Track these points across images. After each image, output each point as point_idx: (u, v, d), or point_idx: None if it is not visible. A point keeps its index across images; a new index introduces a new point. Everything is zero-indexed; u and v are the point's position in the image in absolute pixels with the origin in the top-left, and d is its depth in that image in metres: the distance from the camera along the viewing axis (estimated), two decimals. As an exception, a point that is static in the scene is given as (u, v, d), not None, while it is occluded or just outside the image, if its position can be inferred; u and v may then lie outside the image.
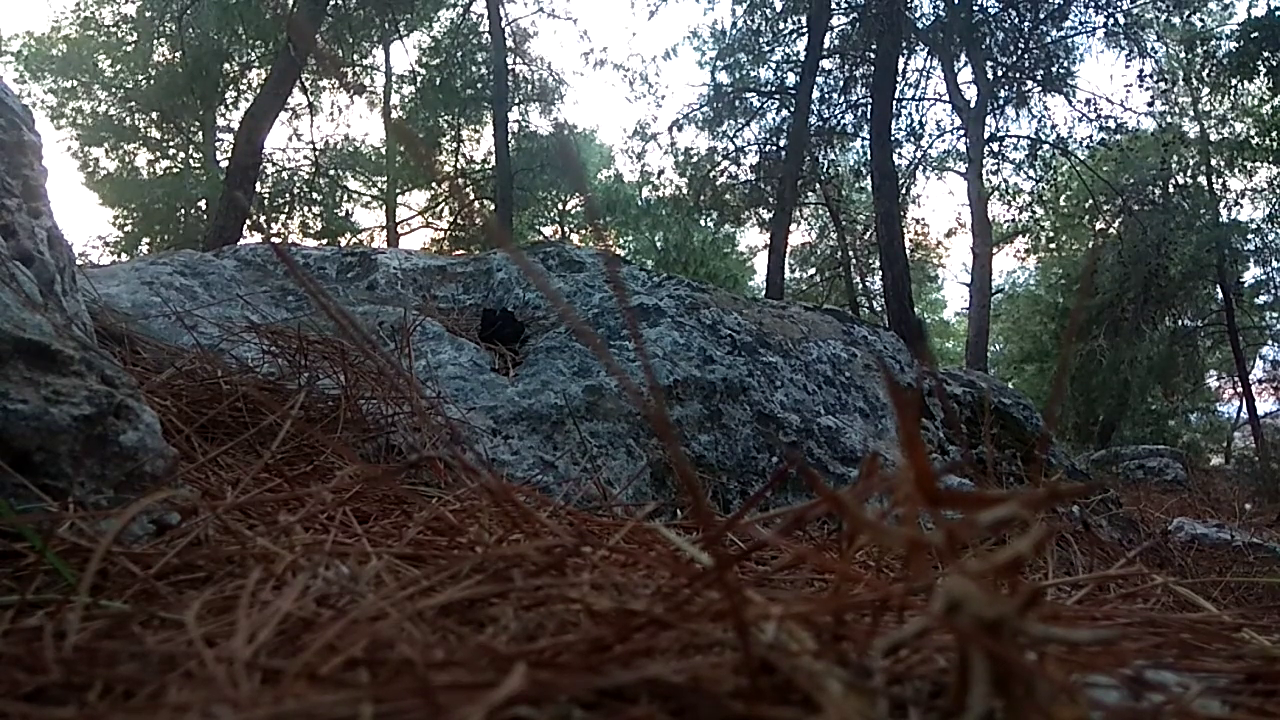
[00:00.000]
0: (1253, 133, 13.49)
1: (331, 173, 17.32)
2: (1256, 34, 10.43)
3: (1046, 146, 13.51)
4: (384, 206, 18.16)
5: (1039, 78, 12.98)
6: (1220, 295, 14.41)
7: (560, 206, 18.68)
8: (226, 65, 14.20)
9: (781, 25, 13.69)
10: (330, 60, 14.50)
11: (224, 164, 13.12)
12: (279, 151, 16.44)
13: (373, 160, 17.84)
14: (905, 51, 12.53)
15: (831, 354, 2.44)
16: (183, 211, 16.12)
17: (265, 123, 8.84)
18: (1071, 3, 12.45)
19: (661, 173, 16.03)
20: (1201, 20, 13.03)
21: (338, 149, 17.27)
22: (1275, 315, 15.58)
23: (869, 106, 11.72)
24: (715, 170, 14.38)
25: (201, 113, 15.03)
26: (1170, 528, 3.00)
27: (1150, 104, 13.33)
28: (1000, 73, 13.05)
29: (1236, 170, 14.20)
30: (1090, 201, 14.26)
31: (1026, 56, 12.82)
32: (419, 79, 16.01)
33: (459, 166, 16.73)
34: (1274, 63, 10.48)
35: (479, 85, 15.55)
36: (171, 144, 16.60)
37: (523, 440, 1.71)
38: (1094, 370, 13.62)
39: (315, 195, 17.30)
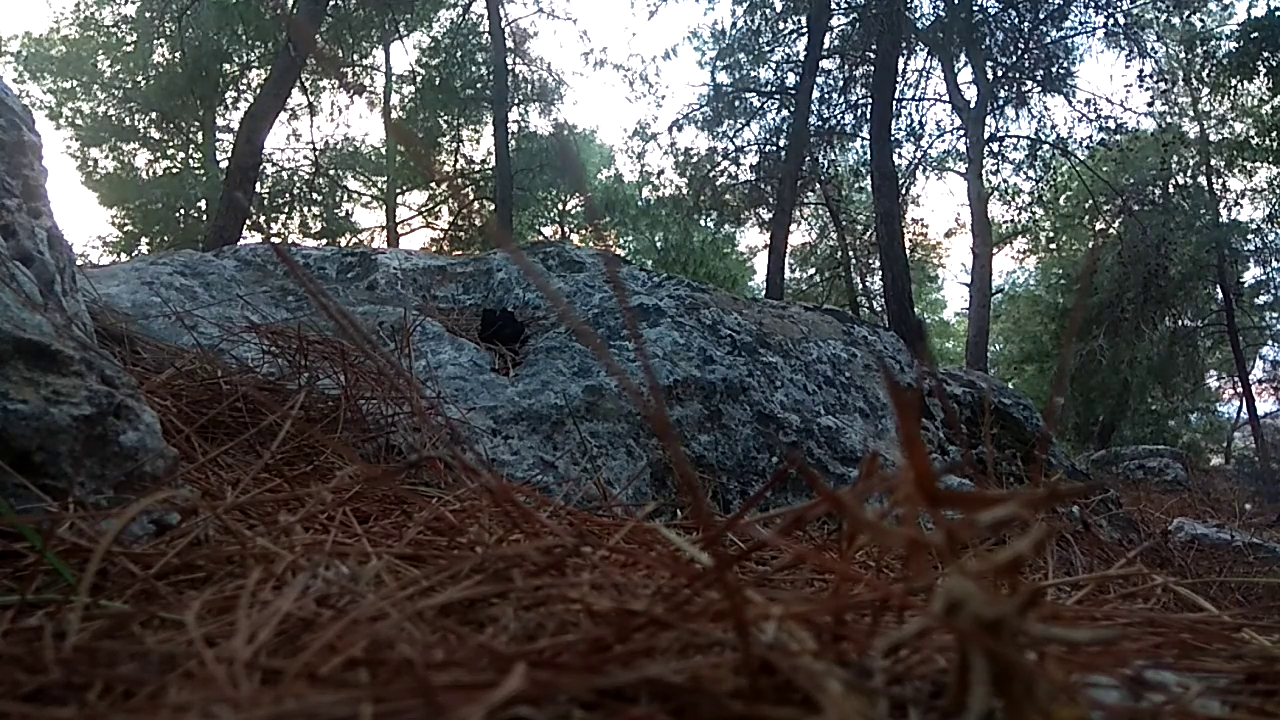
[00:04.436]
0: (1253, 133, 13.49)
1: (331, 173, 17.30)
2: (1256, 34, 10.44)
3: (1046, 147, 13.50)
4: (384, 206, 18.15)
5: (1039, 78, 12.97)
6: (1220, 295, 14.42)
7: (560, 206, 18.67)
8: (226, 65, 14.20)
9: (781, 25, 13.69)
10: (330, 60, 14.50)
11: (224, 164, 13.11)
12: (279, 151, 16.44)
13: (373, 160, 17.83)
14: (905, 51, 12.52)
15: (831, 354, 2.44)
16: (183, 211, 16.11)
17: (265, 123, 8.84)
18: (1071, 3, 12.45)
19: (661, 173, 16.06)
20: (1201, 20, 13.02)
21: (338, 149, 17.25)
22: (1275, 315, 15.60)
23: (869, 106, 11.72)
24: (715, 170, 14.38)
25: (201, 113, 15.02)
26: (1170, 528, 3.00)
27: (1150, 104, 13.34)
28: (1000, 73, 13.04)
29: (1236, 170, 14.21)
30: (1090, 201, 14.25)
31: (1026, 56, 12.81)
32: (419, 79, 16.00)
33: (459, 166, 16.73)
34: (1274, 63, 10.48)
35: (479, 85, 15.55)
36: (171, 144, 16.59)
37: (523, 440, 1.71)
38: (1094, 370, 13.63)
39: (315, 195, 17.28)
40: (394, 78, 16.42)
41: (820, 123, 13.51)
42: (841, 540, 0.59)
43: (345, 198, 18.27)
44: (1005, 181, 14.28)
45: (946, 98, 13.73)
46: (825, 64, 13.09)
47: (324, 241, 16.21)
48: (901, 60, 12.26)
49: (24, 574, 0.58)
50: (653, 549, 0.71)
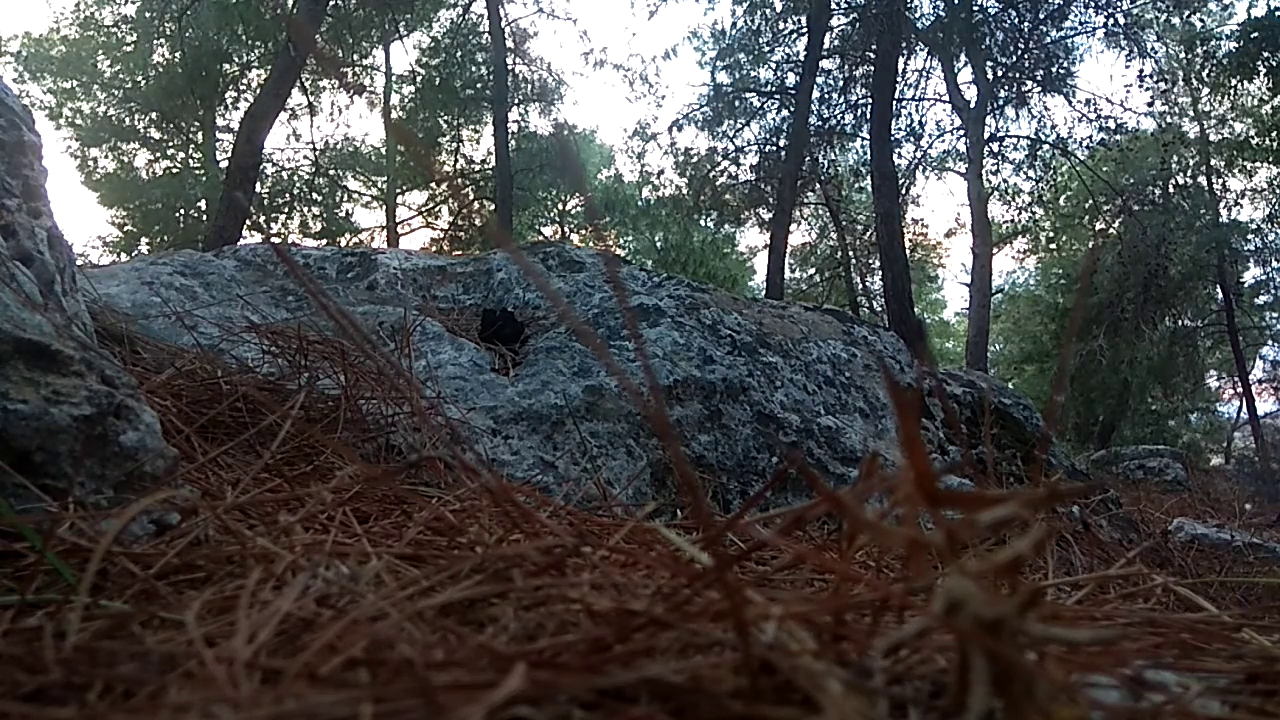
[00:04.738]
0: (1253, 133, 13.50)
1: (331, 173, 17.31)
2: (1256, 34, 10.44)
3: (1046, 147, 13.50)
4: (384, 206, 18.15)
5: (1039, 78, 12.97)
6: (1220, 295, 14.42)
7: (560, 206, 18.67)
8: (226, 65, 14.21)
9: (781, 25, 13.69)
10: (330, 60, 14.50)
11: (224, 164, 13.11)
12: (279, 151, 16.45)
13: (373, 160, 17.83)
14: (905, 51, 12.52)
15: (831, 354, 2.44)
16: (182, 211, 16.11)
17: (265, 123, 8.84)
18: (1071, 3, 12.45)
19: (661, 173, 16.07)
20: (1201, 20, 13.02)
21: (338, 149, 17.25)
22: (1275, 315, 15.60)
23: (869, 106, 11.72)
24: (715, 170, 14.39)
25: (201, 113, 15.02)
26: (1170, 528, 2.99)
27: (1150, 104, 13.34)
28: (1000, 73, 13.04)
29: (1236, 170, 14.21)
30: (1090, 201, 14.26)
31: (1026, 56, 12.81)
32: (419, 79, 16.00)
33: (459, 166, 16.72)
34: (1274, 63, 10.49)
35: (479, 85, 15.55)
36: (171, 144, 16.59)
37: (523, 440, 1.71)
38: (1094, 370, 13.63)
39: (315, 195, 17.29)
40: (394, 78, 16.43)
41: (820, 123, 13.51)
42: (841, 540, 0.59)
43: (345, 198, 18.28)
44: (1005, 181, 14.29)
45: (946, 98, 13.74)
46: (825, 64, 13.10)
47: (324, 241, 16.21)
48: (901, 60, 12.26)
49: (24, 574, 0.58)
50: (653, 549, 0.71)
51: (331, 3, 11.08)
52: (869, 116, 11.48)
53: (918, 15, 12.85)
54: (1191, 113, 14.26)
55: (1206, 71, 12.35)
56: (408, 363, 1.70)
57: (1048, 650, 0.40)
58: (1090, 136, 13.13)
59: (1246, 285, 15.13)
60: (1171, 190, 13.91)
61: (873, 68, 11.55)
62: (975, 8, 12.59)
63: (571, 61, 63.41)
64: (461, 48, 15.41)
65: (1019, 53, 12.80)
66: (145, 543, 0.69)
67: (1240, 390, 14.73)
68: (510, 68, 14.60)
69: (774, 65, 14.06)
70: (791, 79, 13.42)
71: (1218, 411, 18.91)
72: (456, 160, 16.84)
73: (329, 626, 0.45)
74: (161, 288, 1.91)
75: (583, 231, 18.91)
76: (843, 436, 2.16)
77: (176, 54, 13.19)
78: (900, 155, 13.43)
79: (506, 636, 0.47)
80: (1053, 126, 13.43)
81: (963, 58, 13.06)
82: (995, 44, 12.85)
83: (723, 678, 0.39)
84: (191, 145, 16.35)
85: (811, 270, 17.71)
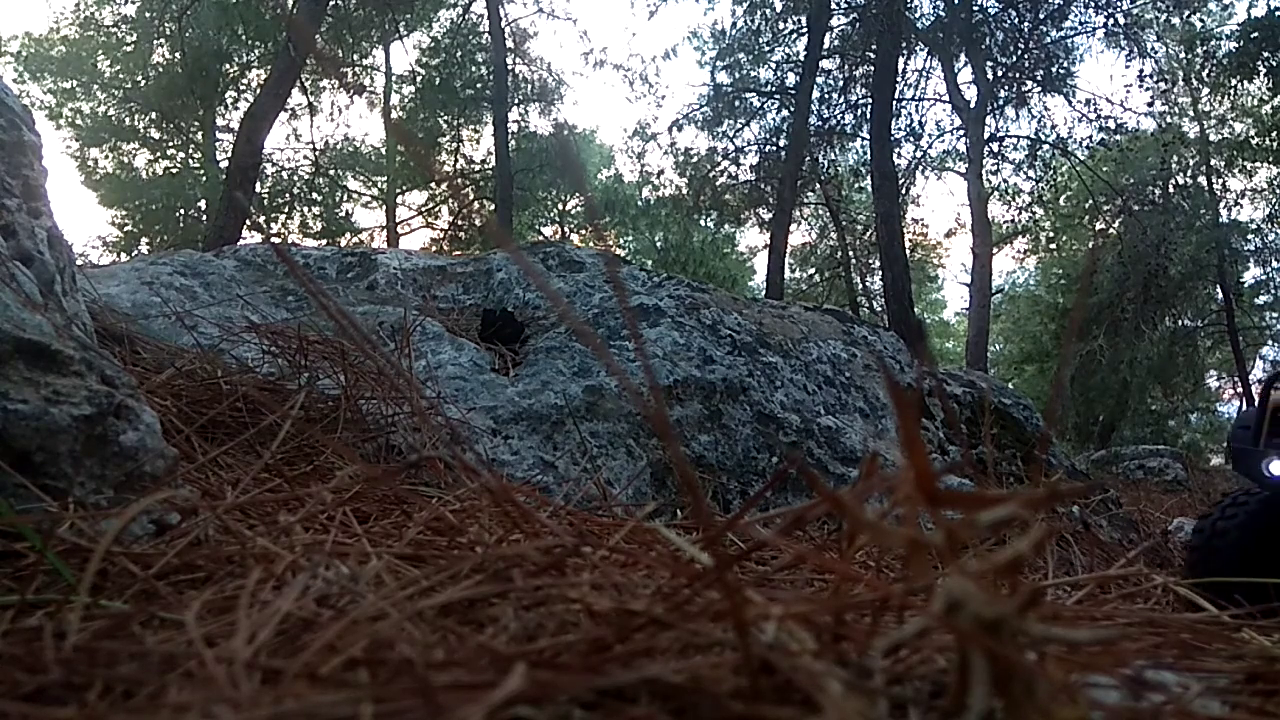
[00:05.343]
0: (1253, 133, 13.51)
1: (331, 173, 17.30)
2: (1256, 34, 10.46)
3: (1046, 147, 13.51)
4: (384, 206, 18.15)
5: (1039, 78, 12.98)
6: (1220, 295, 14.43)
7: (560, 206, 18.66)
8: (226, 65, 14.21)
9: (781, 25, 13.69)
10: (330, 60, 14.50)
11: (224, 164, 13.11)
12: (279, 151, 16.44)
13: (373, 160, 17.82)
14: (905, 51, 12.53)
15: (831, 354, 2.44)
16: (182, 211, 16.10)
17: (265, 123, 8.84)
18: (1071, 3, 12.46)
19: (661, 173, 16.08)
20: (1201, 20, 13.04)
21: (338, 149, 17.24)
22: (1275, 315, 15.61)
23: (869, 106, 11.74)
24: (715, 170, 14.39)
25: (201, 113, 15.02)
26: (1170, 528, 2.99)
27: (1150, 104, 13.34)
28: (1000, 73, 13.05)
29: (1236, 170, 14.22)
30: (1090, 201, 14.26)
31: (1026, 57, 12.82)
32: (419, 79, 16.00)
33: (459, 166, 16.72)
34: (1274, 63, 10.50)
35: (479, 85, 15.55)
36: (171, 144, 16.57)
37: (523, 440, 1.71)
38: (1094, 370, 13.63)
39: (315, 195, 17.28)
40: (394, 78, 16.42)
41: (820, 123, 13.51)
42: (841, 540, 0.59)
43: (345, 198, 18.27)
44: (1005, 181, 14.29)
45: (946, 98, 13.74)
46: (825, 64, 13.10)
47: (324, 241, 16.20)
48: (901, 60, 12.27)
49: (24, 574, 0.58)
50: (653, 549, 0.71)
51: (331, 3, 11.08)
52: (869, 116, 11.50)
53: (918, 15, 12.85)
54: (1191, 113, 14.28)
55: (1206, 71, 12.36)
56: (408, 363, 1.70)
57: (1048, 650, 0.40)
58: (1090, 136, 13.16)
59: (1246, 285, 15.15)
60: (1171, 190, 13.92)
61: (873, 68, 11.57)
62: (975, 8, 12.59)
63: (571, 61, 63.38)
64: (461, 48, 15.41)
65: (1019, 53, 12.80)
66: (145, 543, 0.69)
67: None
68: (510, 68, 14.60)
69: (774, 65, 14.07)
70: (791, 79, 13.43)
71: (1218, 411, 18.93)
72: (456, 160, 16.84)
73: (329, 626, 0.45)
74: (161, 288, 1.91)
75: (583, 231, 18.90)
76: (843, 436, 2.16)
77: (176, 54, 13.18)
78: (900, 155, 13.44)
79: (506, 636, 0.47)
80: (1053, 126, 13.45)
81: (963, 58, 13.06)
82: (995, 44, 12.86)
83: (723, 678, 0.39)
84: (191, 145, 16.33)
85: (811, 270, 17.71)
